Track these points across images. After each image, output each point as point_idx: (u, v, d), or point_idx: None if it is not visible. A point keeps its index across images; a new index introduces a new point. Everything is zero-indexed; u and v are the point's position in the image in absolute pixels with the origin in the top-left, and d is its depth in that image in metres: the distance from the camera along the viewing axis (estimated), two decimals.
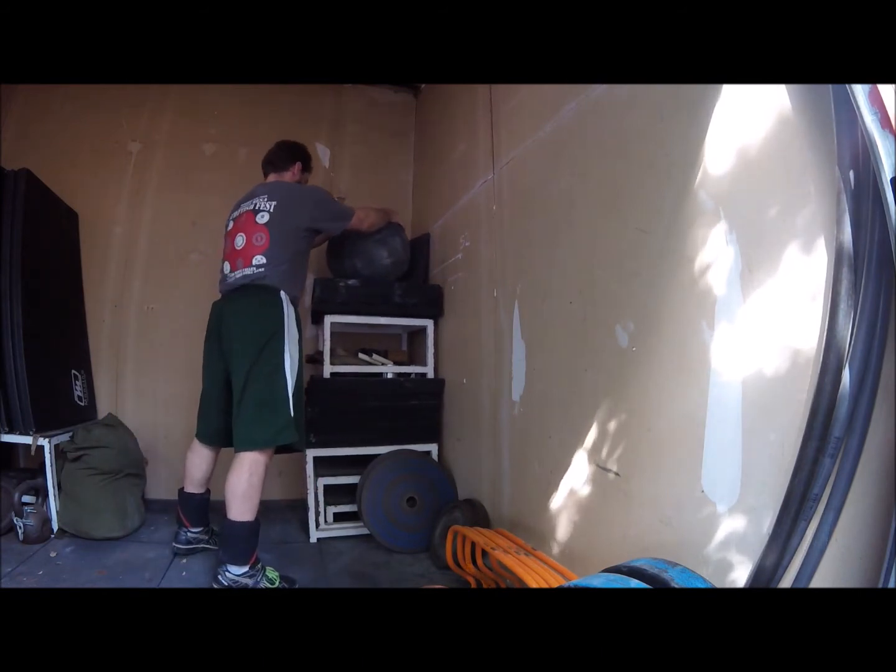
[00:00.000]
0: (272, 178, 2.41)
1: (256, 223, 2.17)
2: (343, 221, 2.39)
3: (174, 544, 2.28)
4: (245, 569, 1.92)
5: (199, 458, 2.28)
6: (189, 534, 2.27)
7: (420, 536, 2.49)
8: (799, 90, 1.05)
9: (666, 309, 1.39)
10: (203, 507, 2.32)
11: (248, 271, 2.13)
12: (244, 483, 1.93)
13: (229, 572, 1.90)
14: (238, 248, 2.18)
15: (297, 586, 2.06)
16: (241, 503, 1.92)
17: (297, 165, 2.45)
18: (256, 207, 2.21)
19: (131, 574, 2.06)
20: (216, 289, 2.27)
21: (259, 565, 1.98)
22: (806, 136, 1.04)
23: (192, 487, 2.29)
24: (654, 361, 1.42)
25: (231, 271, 2.18)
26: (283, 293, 2.10)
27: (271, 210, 2.18)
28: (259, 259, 2.13)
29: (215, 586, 1.90)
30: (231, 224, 2.29)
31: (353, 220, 2.41)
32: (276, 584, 2.00)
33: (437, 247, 3.18)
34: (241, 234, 2.19)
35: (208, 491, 2.34)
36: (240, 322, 2.09)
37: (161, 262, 3.24)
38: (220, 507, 2.01)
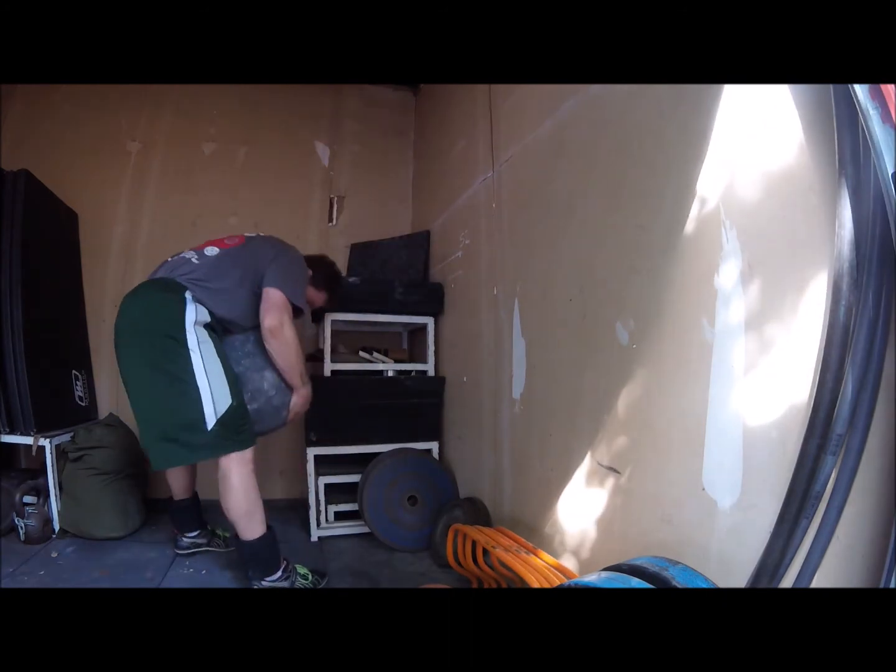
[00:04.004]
0: None
1: (241, 235, 2.09)
2: (281, 284, 1.90)
3: (175, 549, 2.28)
4: (278, 574, 1.91)
5: (175, 469, 2.18)
6: (186, 540, 2.27)
7: (421, 535, 2.49)
8: (799, 87, 1.05)
9: (667, 306, 1.39)
10: (191, 512, 2.29)
11: (180, 268, 1.91)
12: (242, 501, 1.83)
13: (265, 582, 1.89)
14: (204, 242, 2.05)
15: (327, 579, 2.07)
16: (247, 521, 1.84)
17: (307, 272, 2.22)
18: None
19: (133, 574, 2.06)
20: None
21: (290, 566, 1.96)
22: (806, 132, 1.04)
23: (178, 495, 2.25)
24: (654, 359, 1.42)
25: (170, 257, 2.01)
26: (189, 305, 1.81)
27: (260, 234, 2.13)
28: (211, 250, 1.97)
29: None
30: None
31: (287, 302, 1.89)
32: (310, 579, 2.00)
33: (438, 244, 3.18)
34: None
35: (195, 494, 2.30)
36: (130, 321, 1.85)
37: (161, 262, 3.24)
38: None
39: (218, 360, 1.81)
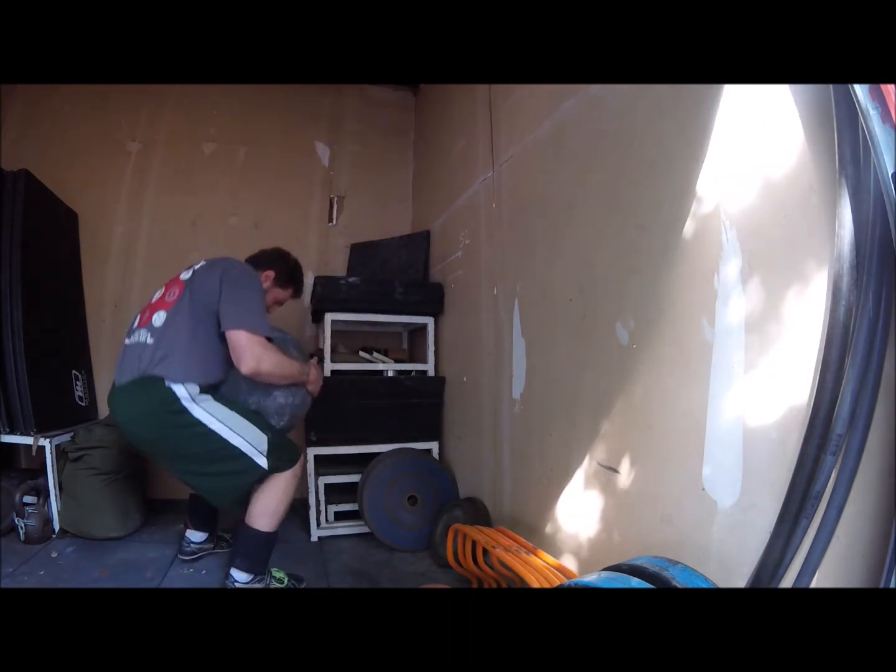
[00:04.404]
0: None
1: (179, 278, 1.93)
2: (238, 322, 1.77)
3: (179, 555, 2.26)
4: (253, 576, 1.90)
5: None
6: (193, 544, 2.25)
7: (421, 535, 2.50)
8: (799, 87, 1.05)
9: (666, 306, 1.38)
10: (210, 510, 2.28)
11: (143, 355, 1.78)
12: (280, 499, 1.92)
13: (238, 582, 1.88)
14: (150, 303, 1.94)
15: (304, 584, 2.05)
16: (270, 517, 1.91)
17: (269, 273, 2.16)
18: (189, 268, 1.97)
19: (133, 574, 2.07)
20: None
21: (266, 571, 1.96)
22: (806, 132, 1.04)
23: None
24: (654, 359, 1.42)
25: (127, 338, 1.91)
26: (176, 386, 1.75)
27: (196, 268, 1.94)
28: (159, 318, 1.82)
29: None
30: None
31: (252, 337, 1.75)
32: (286, 583, 2.00)
33: (438, 244, 3.18)
34: (162, 290, 1.95)
35: None
36: (141, 435, 1.87)
37: (161, 262, 3.22)
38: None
39: (234, 413, 1.83)
